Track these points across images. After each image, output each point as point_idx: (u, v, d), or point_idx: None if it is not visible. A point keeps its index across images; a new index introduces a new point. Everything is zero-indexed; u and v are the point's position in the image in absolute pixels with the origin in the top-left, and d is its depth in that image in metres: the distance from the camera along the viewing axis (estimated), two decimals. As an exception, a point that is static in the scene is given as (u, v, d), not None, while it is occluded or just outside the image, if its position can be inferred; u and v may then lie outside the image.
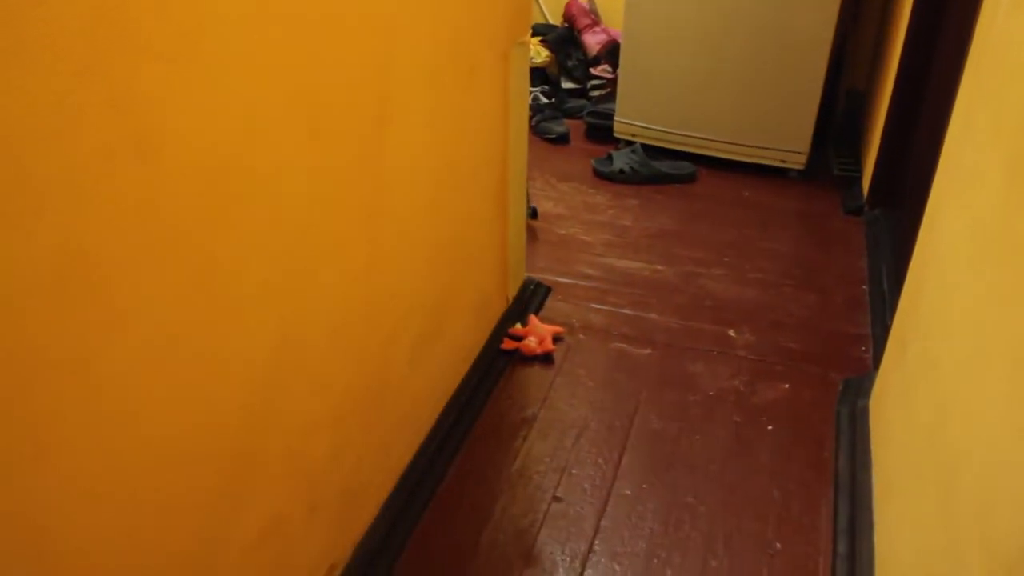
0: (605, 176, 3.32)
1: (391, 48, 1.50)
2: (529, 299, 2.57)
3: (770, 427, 2.14)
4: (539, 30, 4.00)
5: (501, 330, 2.39)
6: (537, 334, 2.40)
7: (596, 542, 1.83)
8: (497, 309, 2.41)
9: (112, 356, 0.97)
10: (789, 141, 3.27)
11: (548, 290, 2.65)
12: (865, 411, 2.12)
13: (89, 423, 0.96)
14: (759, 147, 3.32)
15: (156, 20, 0.93)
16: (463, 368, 2.20)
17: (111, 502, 1.02)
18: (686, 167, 3.33)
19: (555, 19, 4.11)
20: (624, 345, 2.43)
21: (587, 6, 3.93)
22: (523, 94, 2.31)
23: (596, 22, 3.91)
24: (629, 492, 1.96)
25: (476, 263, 2.18)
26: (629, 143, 3.45)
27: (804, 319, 2.56)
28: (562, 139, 3.62)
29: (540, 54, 3.87)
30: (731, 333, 2.49)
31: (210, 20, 1.02)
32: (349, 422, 1.61)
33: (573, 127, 3.71)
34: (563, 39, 3.91)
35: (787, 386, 2.28)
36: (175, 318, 1.07)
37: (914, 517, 1.48)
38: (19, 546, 0.90)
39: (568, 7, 3.92)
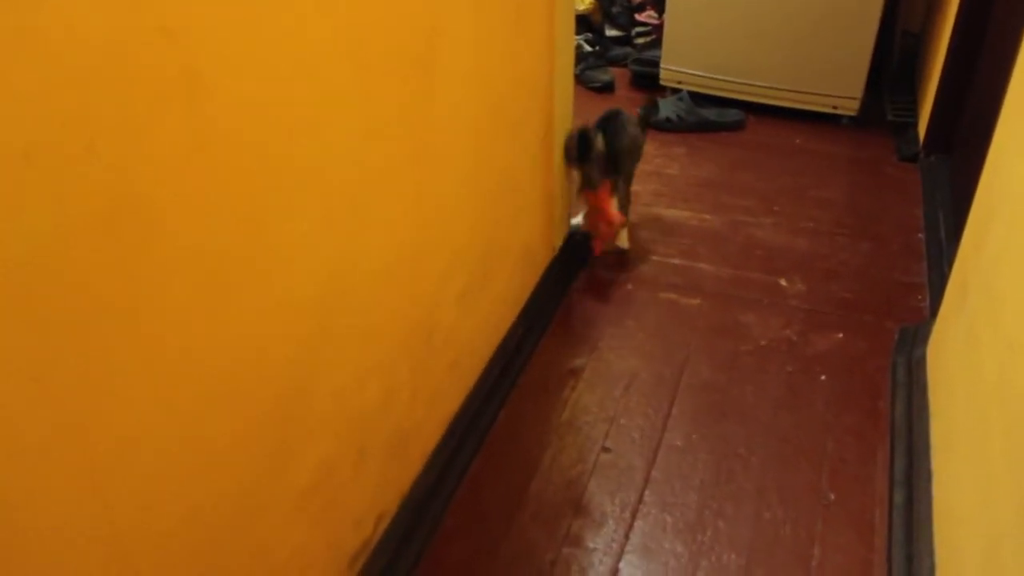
0: (651, 125, 3.25)
1: (436, -13, 1.46)
2: (575, 249, 2.53)
3: (823, 377, 2.10)
4: (582, -24, 3.91)
5: (547, 280, 2.36)
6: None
7: (646, 493, 1.81)
8: (543, 258, 2.37)
9: (164, 299, 0.96)
10: (841, 86, 3.18)
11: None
12: (922, 360, 2.06)
13: (141, 367, 0.95)
14: (810, 93, 3.22)
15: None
16: (510, 316, 2.18)
17: (164, 444, 1.02)
18: (734, 114, 3.26)
19: (599, -35, 4.02)
20: (673, 295, 2.39)
21: (631, -50, 3.84)
22: (568, 39, 2.26)
23: (641, -33, 3.82)
24: (679, 443, 1.93)
25: (522, 210, 2.14)
26: (676, 91, 3.37)
27: (858, 268, 2.49)
28: (607, 88, 3.55)
29: (584, 1, 3.78)
30: (782, 282, 2.43)
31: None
32: (399, 366, 1.60)
33: (618, 75, 3.64)
34: (607, -15, 3.83)
35: (841, 336, 2.22)
36: (225, 260, 1.05)
37: (978, 466, 1.44)
38: (78, 491, 0.90)
39: (612, -48, 3.83)
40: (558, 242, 2.46)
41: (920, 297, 2.36)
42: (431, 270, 1.67)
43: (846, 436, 1.94)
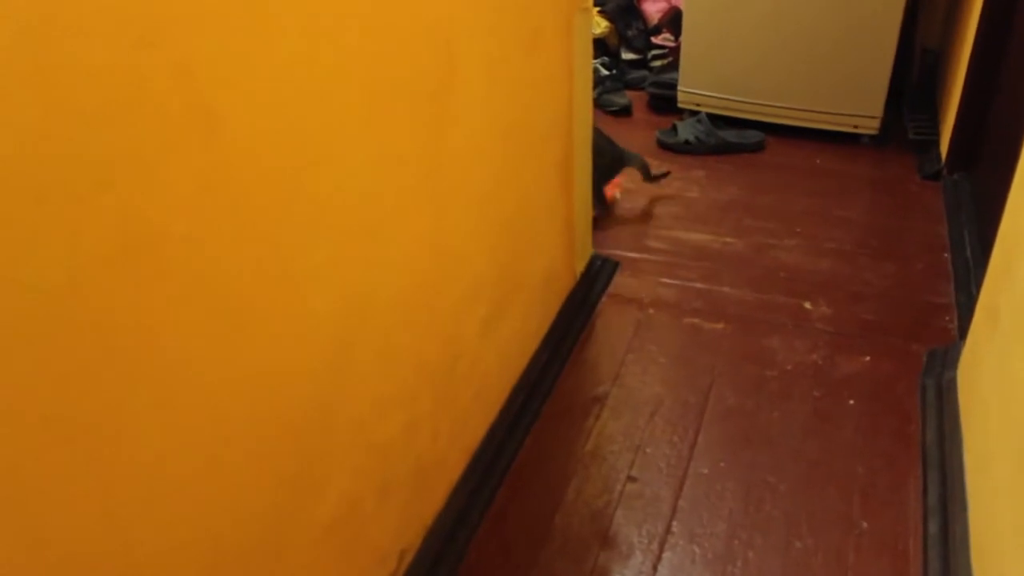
0: (670, 147, 3.24)
1: (454, 9, 1.45)
2: (597, 275, 2.52)
3: (851, 402, 2.06)
4: (597, 0, 3.91)
5: (569, 307, 2.34)
6: None
7: (674, 523, 1.78)
8: (565, 285, 2.36)
9: (179, 332, 0.95)
10: (861, 105, 3.15)
11: (616, 265, 2.59)
12: (953, 383, 2.02)
13: (156, 401, 0.93)
14: (829, 113, 3.20)
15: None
16: (533, 344, 2.16)
17: (181, 475, 1.00)
18: (754, 136, 3.24)
19: (613, -11, 4.02)
20: (696, 320, 2.37)
21: (646, -26, 3.84)
22: (587, 62, 2.25)
23: (656, -10, 3.81)
24: (706, 471, 1.90)
25: (542, 236, 2.13)
26: (694, 113, 3.36)
27: (883, 289, 2.46)
28: (624, 111, 3.54)
29: (599, 24, 3.78)
30: (807, 305, 2.40)
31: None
32: (421, 397, 1.58)
33: (635, 99, 3.63)
34: (622, 8, 3.82)
35: (868, 359, 2.19)
36: (242, 291, 1.04)
37: (1016, 497, 1.40)
38: (94, 521, 0.88)
39: (627, -25, 3.83)
40: (580, 267, 2.44)
41: (948, 318, 2.32)
42: (451, 298, 1.66)
43: (877, 462, 1.90)
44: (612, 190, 2.96)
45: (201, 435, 1.02)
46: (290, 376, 1.18)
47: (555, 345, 2.22)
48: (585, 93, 2.25)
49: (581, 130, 2.26)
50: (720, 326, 2.34)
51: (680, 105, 3.41)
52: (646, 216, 2.85)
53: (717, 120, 3.29)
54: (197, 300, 0.97)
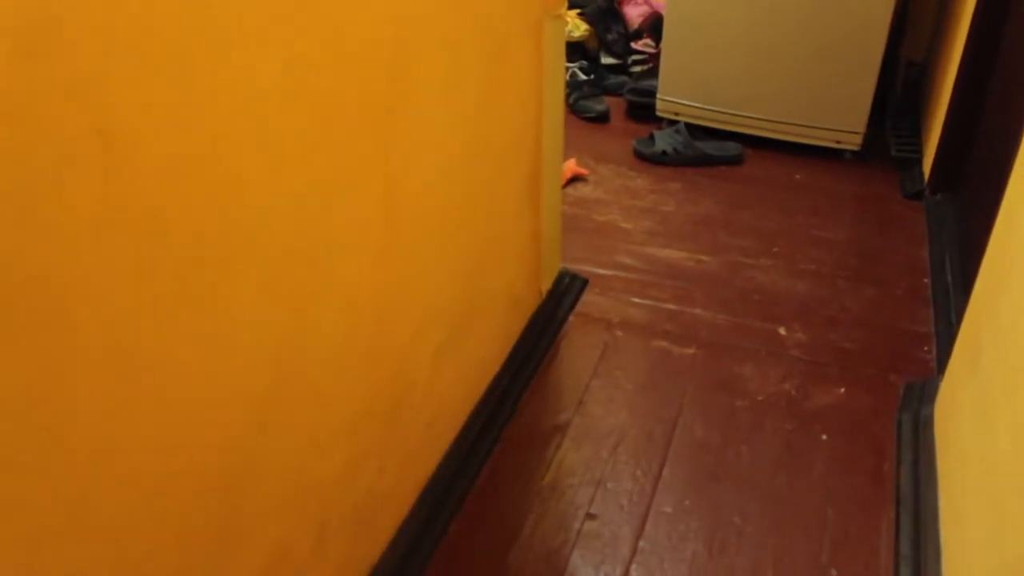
0: (647, 158, 3.14)
1: (406, 21, 1.34)
2: (564, 292, 2.42)
3: (824, 436, 1.97)
4: (578, 2, 3.81)
5: (534, 327, 2.24)
6: None
7: (633, 567, 1.68)
8: (529, 304, 2.25)
9: (70, 379, 0.84)
10: (843, 120, 3.06)
11: (585, 283, 2.49)
12: (930, 420, 1.94)
13: (55, 468, 0.83)
14: (811, 126, 3.11)
15: None
16: (493, 368, 2.06)
17: (90, 542, 0.89)
18: (733, 148, 3.14)
19: (595, -10, 3.91)
20: (666, 343, 2.27)
21: (629, -24, 3.73)
22: (558, 71, 2.14)
23: (638, -7, 3.71)
24: (670, 509, 1.80)
25: (506, 255, 2.03)
26: (672, 122, 3.26)
27: (860, 315, 2.37)
28: (601, 118, 3.44)
29: (579, 27, 3.68)
30: (781, 331, 2.31)
31: None
32: (365, 432, 1.48)
33: (613, 105, 3.52)
34: (603, 11, 3.72)
35: (843, 390, 2.10)
36: (147, 338, 0.93)
37: (991, 549, 1.31)
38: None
39: (608, -22, 3.72)
40: (546, 286, 2.34)
41: (926, 348, 2.24)
42: (403, 325, 1.55)
43: (848, 503, 1.81)
44: (569, 173, 2.96)
45: (98, 503, 0.91)
46: (208, 421, 1.08)
47: (517, 368, 2.12)
48: (556, 103, 2.15)
49: (551, 141, 2.16)
50: (690, 351, 2.24)
51: (659, 114, 3.31)
52: (618, 230, 2.75)
53: (696, 131, 3.19)
54: (96, 350, 0.86)
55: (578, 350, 2.25)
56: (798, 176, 3.06)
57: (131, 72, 0.82)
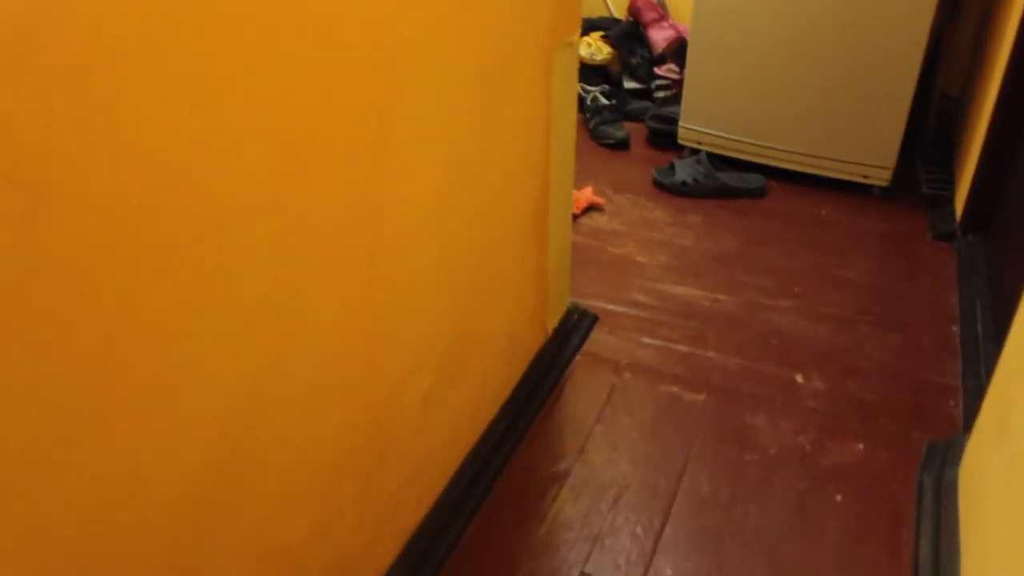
0: (666, 188, 3.03)
1: (391, 51, 1.25)
2: (572, 330, 2.31)
3: (839, 497, 1.85)
4: (602, 24, 3.72)
5: (537, 367, 2.14)
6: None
7: (627, 637, 1.57)
8: (533, 343, 2.15)
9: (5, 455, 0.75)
10: (872, 154, 2.94)
11: (595, 320, 2.38)
12: (953, 484, 1.81)
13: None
14: (838, 160, 2.99)
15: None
16: (490, 411, 1.96)
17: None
18: (756, 180, 3.03)
19: (620, 12, 3.82)
20: (676, 388, 2.16)
21: (655, -1, 3.63)
22: (569, 102, 2.05)
23: (663, 16, 3.61)
24: (670, 572, 1.69)
25: (509, 292, 1.93)
26: (695, 151, 3.15)
27: (883, 364, 2.25)
28: (621, 145, 3.33)
29: (601, 50, 3.58)
30: (798, 378, 2.19)
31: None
32: (342, 487, 1.38)
33: (634, 131, 3.42)
34: (627, 34, 3.62)
35: (861, 446, 1.98)
36: (89, 397, 0.84)
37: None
38: None
39: (633, 0, 3.62)
40: (552, 324, 2.24)
41: (952, 403, 2.11)
42: (386, 372, 1.46)
43: (862, 573, 1.69)
44: (584, 202, 2.89)
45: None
46: (157, 485, 0.99)
47: (516, 411, 2.02)
48: (566, 135, 2.05)
49: (560, 174, 2.06)
50: (701, 397, 2.13)
51: (680, 142, 3.21)
52: (633, 263, 2.65)
53: (718, 161, 3.08)
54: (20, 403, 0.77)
55: (583, 393, 2.15)
56: (823, 212, 2.94)
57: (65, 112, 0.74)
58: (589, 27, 3.71)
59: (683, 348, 2.30)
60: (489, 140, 1.67)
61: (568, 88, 2.02)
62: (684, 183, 3.00)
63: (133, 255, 0.87)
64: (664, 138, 3.31)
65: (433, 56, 1.37)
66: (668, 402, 2.12)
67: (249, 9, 0.94)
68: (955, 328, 2.38)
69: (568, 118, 2.06)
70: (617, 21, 3.76)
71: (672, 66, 3.50)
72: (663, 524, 1.79)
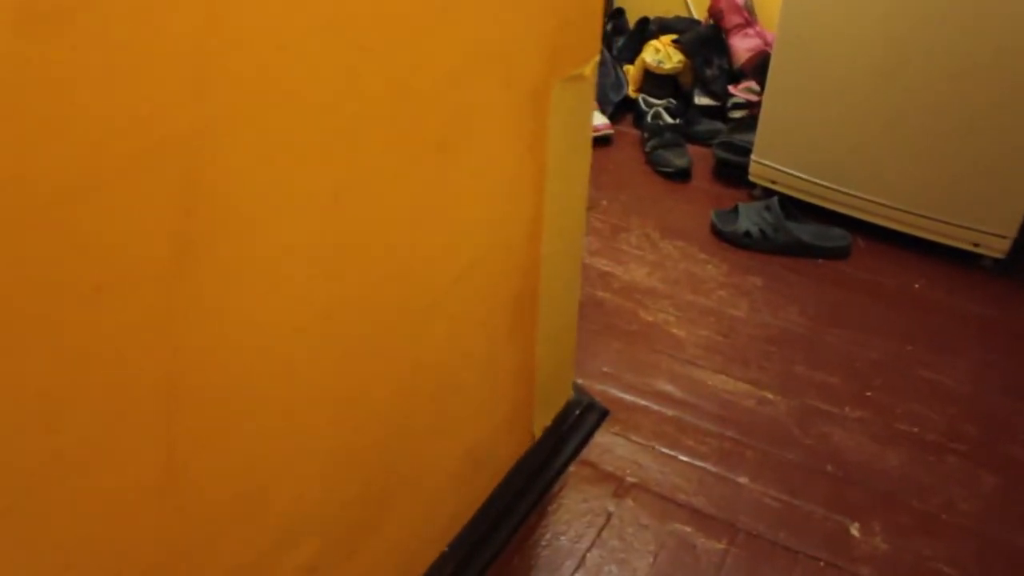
0: (725, 237, 2.50)
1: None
2: (570, 430, 1.84)
3: None
4: (676, 26, 3.17)
5: (512, 483, 1.68)
6: None
7: None
8: (510, 453, 1.69)
9: None
10: (987, 218, 2.35)
11: (603, 414, 1.90)
12: None
13: None
14: (944, 221, 2.41)
15: None
16: (430, 555, 1.51)
17: None
18: (838, 237, 2.48)
19: (700, 13, 3.27)
20: (689, 529, 1.67)
21: (741, 2, 3.07)
22: (578, 149, 1.56)
23: (750, 22, 3.04)
24: None
25: (467, 407, 1.47)
26: (767, 192, 2.61)
27: (972, 518, 1.71)
28: (681, 175, 2.81)
29: (671, 58, 3.04)
30: (854, 530, 1.68)
31: None
32: None
33: (699, 157, 2.89)
34: (704, 40, 3.07)
35: (927, 652, 1.46)
36: None
37: None
38: None
39: (715, 1, 3.07)
40: (543, 424, 1.77)
41: (1062, 593, 1.57)
42: (248, 544, 1.02)
43: None
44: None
45: None
46: None
47: (471, 549, 1.56)
48: (571, 192, 1.57)
49: (561, 242, 1.58)
50: (720, 546, 1.63)
51: (751, 178, 2.67)
52: (667, 336, 2.14)
53: (794, 206, 2.54)
54: None
55: (568, 523, 1.67)
56: (917, 285, 2.37)
57: None
58: (661, 28, 3.18)
59: (709, 467, 1.80)
60: (445, 211, 1.21)
61: (577, 133, 1.54)
62: (748, 234, 2.47)
63: None
64: (733, 171, 2.77)
65: (353, 99, 0.90)
66: (676, 548, 1.63)
67: None
68: (1075, 472, 1.82)
69: (577, 170, 1.58)
70: (695, 23, 3.21)
71: (752, 84, 2.95)
72: None
